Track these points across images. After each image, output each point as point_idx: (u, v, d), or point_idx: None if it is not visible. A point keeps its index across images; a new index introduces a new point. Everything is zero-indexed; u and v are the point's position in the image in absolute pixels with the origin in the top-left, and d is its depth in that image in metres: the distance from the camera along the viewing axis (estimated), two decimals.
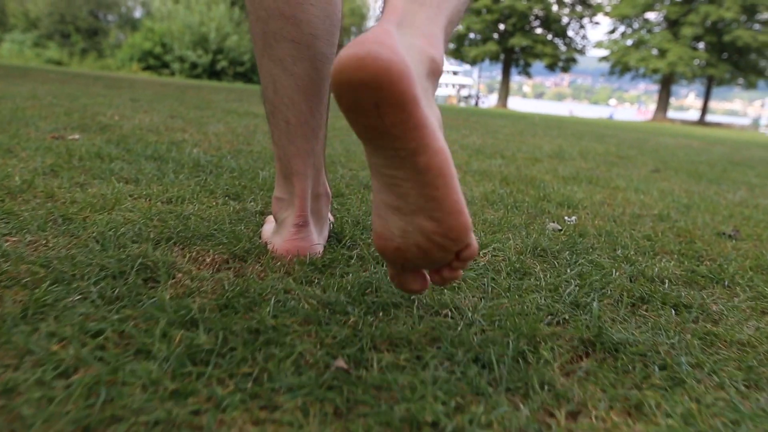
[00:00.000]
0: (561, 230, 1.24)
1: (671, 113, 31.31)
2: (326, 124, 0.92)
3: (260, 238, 0.96)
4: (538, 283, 0.87)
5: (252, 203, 1.19)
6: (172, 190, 1.21)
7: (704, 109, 30.46)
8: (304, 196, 0.88)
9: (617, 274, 0.95)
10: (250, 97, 6.34)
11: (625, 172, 2.75)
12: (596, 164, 2.98)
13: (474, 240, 0.60)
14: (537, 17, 30.12)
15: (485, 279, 0.86)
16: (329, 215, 1.00)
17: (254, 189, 1.32)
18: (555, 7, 29.90)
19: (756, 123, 33.23)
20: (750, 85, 28.77)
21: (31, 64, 15.66)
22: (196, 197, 1.18)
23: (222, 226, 0.98)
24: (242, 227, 1.00)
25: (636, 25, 30.22)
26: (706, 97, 30.43)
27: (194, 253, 0.85)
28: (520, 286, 0.85)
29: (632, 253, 1.09)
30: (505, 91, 31.06)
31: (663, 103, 29.53)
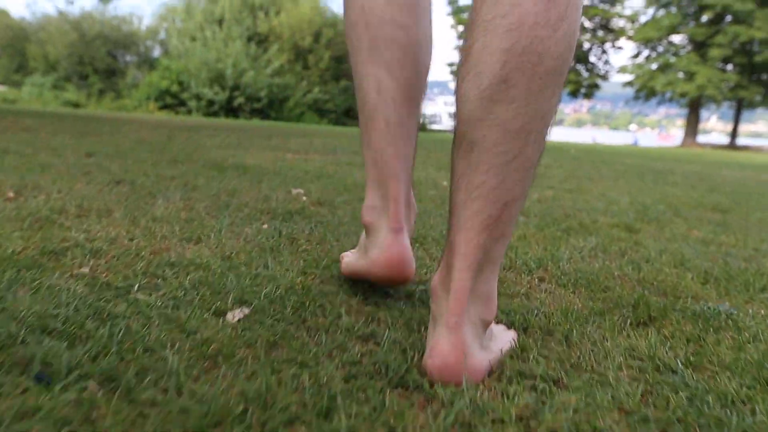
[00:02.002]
0: None
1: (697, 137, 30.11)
2: (416, 135, 0.94)
3: (342, 271, 1.00)
4: None
5: None
6: None
7: (734, 133, 29.28)
8: (399, 200, 0.88)
9: None
10: (253, 137, 5.51)
11: (765, 246, 1.87)
12: (710, 230, 2.10)
13: None
14: None
15: None
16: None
17: None
18: None
19: None
20: None
21: (48, 107, 15.31)
22: None
23: None
24: None
25: (661, 49, 29.36)
26: (736, 119, 29.26)
27: None
28: None
29: None
30: None
31: (692, 128, 28.43)
